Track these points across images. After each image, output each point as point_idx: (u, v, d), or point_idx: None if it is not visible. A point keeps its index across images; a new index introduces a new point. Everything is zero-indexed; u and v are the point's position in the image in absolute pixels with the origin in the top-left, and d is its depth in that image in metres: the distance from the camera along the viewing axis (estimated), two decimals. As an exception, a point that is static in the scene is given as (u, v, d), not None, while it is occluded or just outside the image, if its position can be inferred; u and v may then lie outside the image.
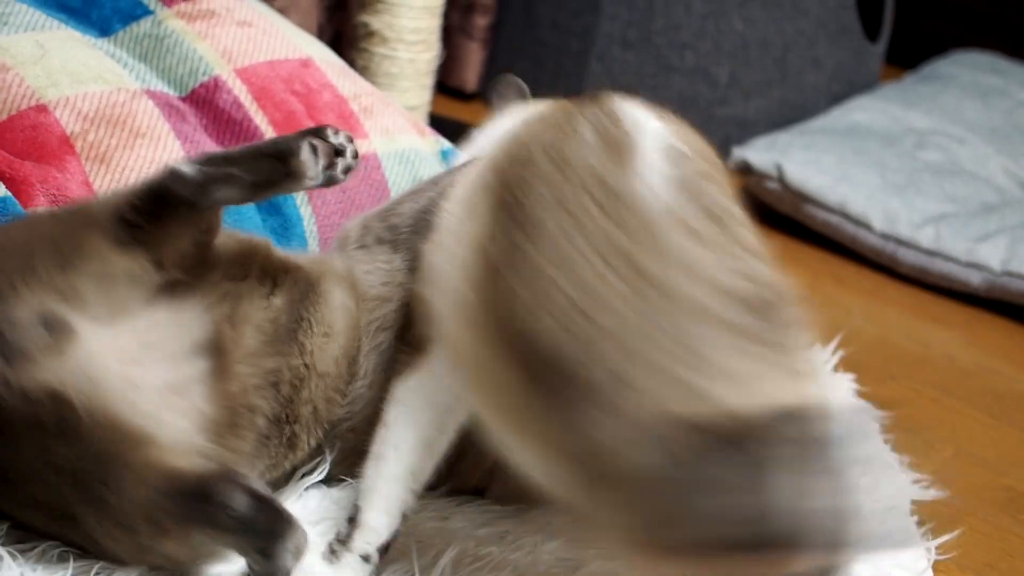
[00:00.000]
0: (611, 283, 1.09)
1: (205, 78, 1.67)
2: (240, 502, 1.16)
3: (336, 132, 1.33)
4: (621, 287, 1.09)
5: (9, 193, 1.40)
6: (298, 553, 1.18)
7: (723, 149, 2.73)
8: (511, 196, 1.17)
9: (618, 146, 1.19)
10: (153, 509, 1.19)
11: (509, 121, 1.46)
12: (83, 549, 1.27)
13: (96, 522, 1.22)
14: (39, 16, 1.64)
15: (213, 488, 1.17)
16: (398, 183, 1.74)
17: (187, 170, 1.26)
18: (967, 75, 3.12)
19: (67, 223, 1.29)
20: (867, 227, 2.48)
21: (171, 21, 1.72)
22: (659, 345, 1.07)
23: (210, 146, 1.62)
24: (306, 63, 1.74)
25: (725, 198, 1.25)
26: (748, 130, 2.88)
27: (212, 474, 1.19)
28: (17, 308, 1.22)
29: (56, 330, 1.22)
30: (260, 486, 1.20)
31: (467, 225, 1.19)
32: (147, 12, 1.73)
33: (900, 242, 2.44)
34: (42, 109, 1.51)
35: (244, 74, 1.68)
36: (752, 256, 1.20)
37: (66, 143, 1.50)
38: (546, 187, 1.16)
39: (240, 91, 1.66)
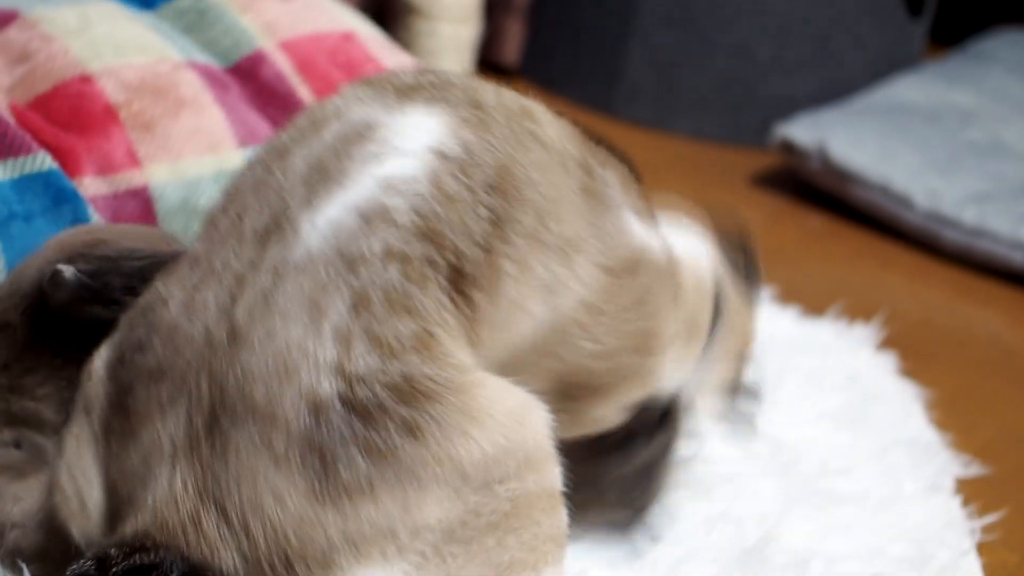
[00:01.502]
0: None
1: (248, 51, 1.67)
2: None
3: None
4: None
5: (55, 165, 1.40)
6: None
7: (765, 127, 2.75)
8: None
9: (328, 173, 1.07)
10: None
11: None
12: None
13: None
14: (82, -12, 1.65)
15: None
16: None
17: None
18: (1011, 53, 3.09)
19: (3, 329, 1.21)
20: (910, 206, 2.46)
21: (213, -5, 1.72)
22: None
23: (253, 117, 1.62)
24: (348, 37, 1.74)
25: (396, 276, 1.05)
26: (790, 108, 2.86)
27: None
28: None
29: (29, 453, 1.18)
30: None
31: None
32: (189, -14, 1.73)
33: (943, 221, 2.43)
34: (87, 79, 1.51)
35: (287, 47, 1.67)
36: (377, 351, 1.04)
37: (110, 112, 1.50)
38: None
39: (283, 64, 1.66)
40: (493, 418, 1.03)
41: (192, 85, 1.57)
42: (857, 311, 2.06)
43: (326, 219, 1.03)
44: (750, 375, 1.72)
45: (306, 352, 0.99)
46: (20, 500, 1.14)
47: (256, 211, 1.06)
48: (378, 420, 0.99)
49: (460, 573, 1.03)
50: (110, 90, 1.51)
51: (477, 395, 1.03)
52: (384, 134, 1.08)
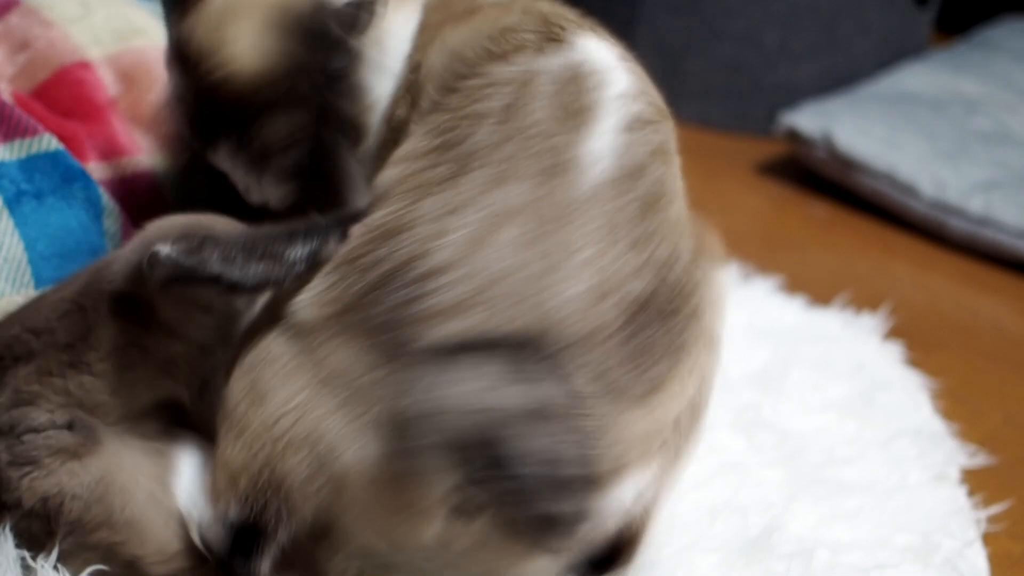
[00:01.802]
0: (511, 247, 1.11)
1: None
2: None
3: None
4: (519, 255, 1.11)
5: (62, 146, 1.40)
6: None
7: (770, 115, 2.74)
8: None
9: (577, 109, 1.18)
10: None
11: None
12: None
13: None
14: (83, -25, 1.64)
15: None
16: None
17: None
18: (1017, 41, 3.08)
19: (73, 313, 1.24)
20: (916, 195, 2.46)
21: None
22: None
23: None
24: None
25: (665, 177, 1.22)
26: (796, 96, 2.85)
27: None
28: (32, 409, 1.20)
29: (81, 434, 1.20)
30: None
31: None
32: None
33: (949, 210, 2.42)
34: (86, 66, 1.51)
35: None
36: (663, 244, 1.18)
37: (108, 101, 1.50)
38: (489, 133, 1.17)
39: None
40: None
41: None
42: (863, 300, 2.05)
43: (603, 146, 1.16)
44: (757, 364, 1.73)
45: (618, 270, 1.12)
46: (76, 475, 1.18)
47: (528, 163, 1.15)
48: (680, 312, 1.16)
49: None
50: (109, 80, 1.51)
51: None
52: (592, 66, 1.21)
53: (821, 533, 1.46)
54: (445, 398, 1.07)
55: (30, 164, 1.38)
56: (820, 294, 2.06)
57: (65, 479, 1.18)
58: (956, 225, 2.41)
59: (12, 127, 1.40)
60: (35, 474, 1.18)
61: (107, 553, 1.19)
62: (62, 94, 1.49)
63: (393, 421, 1.09)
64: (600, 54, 1.24)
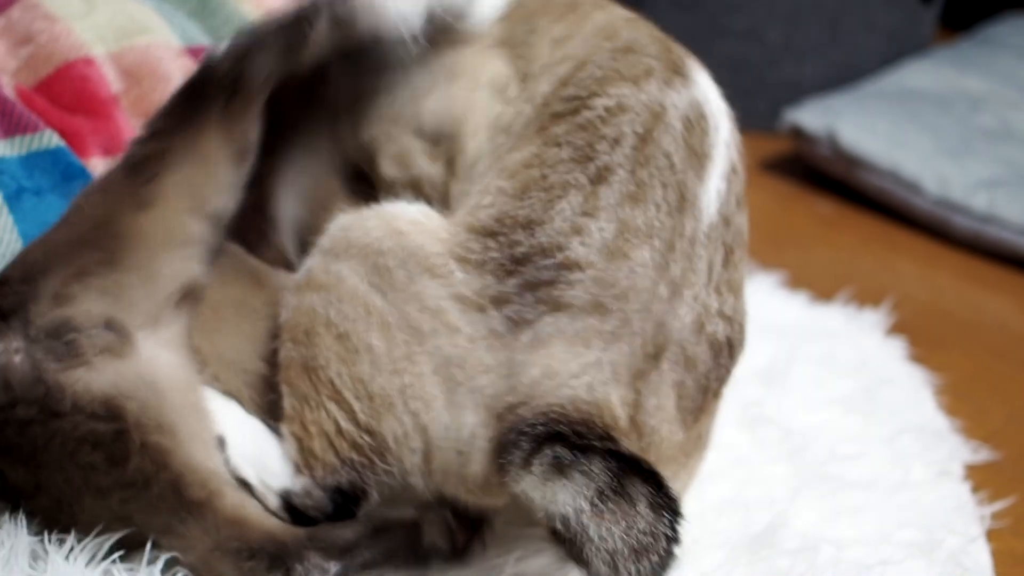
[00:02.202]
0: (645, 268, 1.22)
1: None
2: (317, 573, 1.16)
3: None
4: (652, 277, 1.22)
5: (63, 143, 1.40)
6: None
7: (774, 112, 2.74)
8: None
9: (698, 152, 1.29)
10: (228, 563, 1.18)
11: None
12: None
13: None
14: (87, -30, 1.64)
15: (290, 560, 1.17)
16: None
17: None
18: (1022, 38, 3.08)
19: (107, 207, 1.27)
20: (920, 192, 2.45)
21: (216, -19, 1.71)
22: None
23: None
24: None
25: (743, 226, 1.35)
26: (800, 93, 2.85)
27: (288, 541, 1.18)
28: (72, 308, 1.20)
29: (118, 334, 1.21)
30: (344, 535, 1.19)
31: None
32: (193, -29, 1.72)
33: (953, 207, 2.42)
34: (89, 63, 1.51)
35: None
36: (732, 297, 1.31)
37: (112, 97, 1.50)
38: (626, 153, 1.26)
39: None
40: None
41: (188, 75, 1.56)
42: (866, 297, 2.05)
43: (714, 191, 1.28)
44: (760, 361, 1.73)
45: (708, 308, 1.26)
46: (124, 375, 1.20)
47: (659, 190, 1.25)
48: (734, 354, 1.31)
49: None
50: (112, 77, 1.51)
51: None
52: (710, 108, 1.33)
53: (825, 529, 1.46)
54: (546, 395, 1.15)
55: (31, 161, 1.38)
56: (823, 290, 2.06)
57: (116, 378, 1.19)
58: (960, 222, 2.41)
59: (14, 123, 1.40)
60: (86, 375, 1.18)
61: (160, 463, 1.19)
62: (65, 89, 1.49)
63: (492, 401, 1.16)
64: (713, 94, 1.36)
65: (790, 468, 1.56)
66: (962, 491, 1.58)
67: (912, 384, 1.82)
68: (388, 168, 1.40)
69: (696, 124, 1.31)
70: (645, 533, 1.10)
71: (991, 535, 1.52)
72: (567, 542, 1.12)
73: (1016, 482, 1.63)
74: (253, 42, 1.30)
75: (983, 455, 1.67)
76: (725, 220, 1.29)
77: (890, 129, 2.56)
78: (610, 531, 1.10)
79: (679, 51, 1.39)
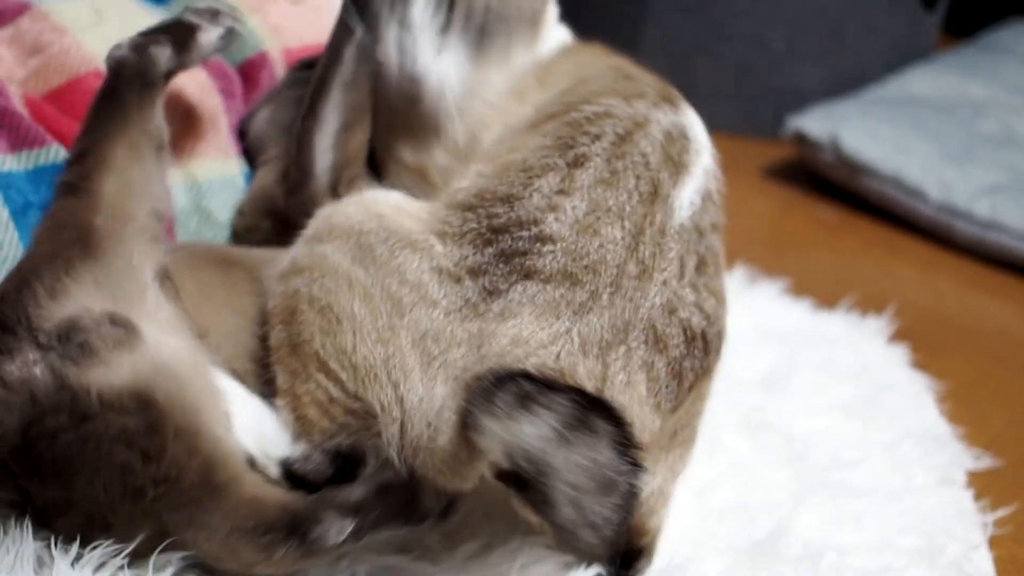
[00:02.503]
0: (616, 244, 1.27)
1: (253, 53, 1.66)
2: (335, 532, 1.17)
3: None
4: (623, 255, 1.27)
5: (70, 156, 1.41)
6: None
7: (778, 118, 2.74)
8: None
9: (676, 160, 1.35)
10: (246, 543, 1.19)
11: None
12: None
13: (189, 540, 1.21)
14: (95, -19, 1.65)
15: (306, 524, 1.17)
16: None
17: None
18: (1025, 45, 3.09)
19: (68, 209, 1.30)
20: (922, 198, 2.46)
21: (224, -7, 1.71)
22: None
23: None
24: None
25: (718, 248, 1.39)
26: (803, 99, 2.86)
27: (301, 508, 1.19)
28: (72, 304, 1.21)
29: (125, 328, 1.21)
30: (354, 494, 1.20)
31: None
32: (200, -19, 1.72)
33: (956, 213, 2.43)
34: (100, 75, 1.51)
35: (290, 55, 1.67)
36: (710, 299, 1.33)
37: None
38: (604, 146, 1.32)
39: (282, 71, 1.66)
40: None
41: (201, 87, 1.57)
42: (869, 303, 2.06)
43: (687, 199, 1.33)
44: (763, 367, 1.73)
45: (682, 297, 1.28)
46: (139, 366, 1.20)
47: (632, 180, 1.31)
48: (709, 348, 1.31)
49: None
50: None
51: None
52: (694, 134, 1.40)
53: (827, 535, 1.46)
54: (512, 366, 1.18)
55: (37, 175, 1.38)
56: (826, 296, 2.07)
57: (134, 370, 1.19)
58: (962, 228, 2.42)
59: (20, 137, 1.40)
60: (107, 372, 1.18)
61: (191, 448, 1.19)
62: (76, 101, 1.49)
63: (462, 372, 1.19)
64: (701, 130, 1.43)
65: (792, 474, 1.57)
66: (964, 497, 1.59)
67: (913, 390, 1.83)
68: (405, 151, 1.49)
69: (677, 139, 1.37)
70: (610, 468, 1.10)
71: (993, 542, 1.53)
72: (530, 486, 1.13)
73: (1017, 489, 1.64)
74: (149, 39, 1.38)
75: (984, 462, 1.68)
76: (698, 230, 1.34)
77: (893, 135, 2.57)
78: (577, 463, 1.10)
79: (675, 91, 1.47)
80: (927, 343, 1.98)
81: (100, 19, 1.57)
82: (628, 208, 1.29)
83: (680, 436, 1.31)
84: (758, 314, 1.96)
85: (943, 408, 1.80)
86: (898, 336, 1.97)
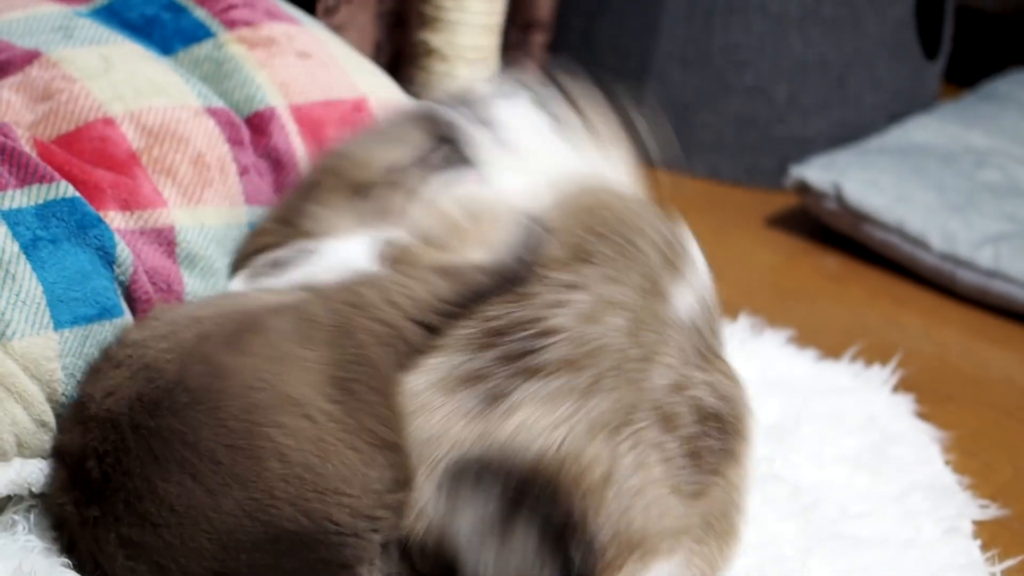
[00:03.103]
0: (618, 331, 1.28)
1: (260, 107, 1.67)
2: None
3: None
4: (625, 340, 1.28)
5: (78, 194, 1.41)
6: None
7: (781, 168, 2.75)
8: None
9: (675, 266, 1.37)
10: None
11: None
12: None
13: None
14: (103, 31, 1.65)
15: None
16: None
17: None
18: (1027, 94, 3.10)
19: None
20: (925, 247, 2.47)
21: (231, 46, 1.71)
22: None
23: (263, 167, 1.64)
24: (359, 106, 1.74)
25: (715, 340, 1.41)
26: (806, 149, 2.87)
27: None
28: None
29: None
30: None
31: None
32: (208, 34, 1.72)
33: (959, 262, 2.43)
34: (109, 122, 1.52)
35: (298, 112, 1.68)
36: (724, 381, 1.36)
37: (132, 157, 1.51)
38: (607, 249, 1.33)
39: (291, 129, 1.67)
40: None
41: (210, 136, 1.58)
42: (874, 353, 2.06)
43: (688, 300, 1.35)
44: (769, 418, 1.73)
45: (691, 379, 1.31)
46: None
47: (633, 273, 1.32)
48: (728, 428, 1.33)
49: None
50: (132, 135, 1.53)
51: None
52: (689, 248, 1.41)
53: (837, 588, 1.46)
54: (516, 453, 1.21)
55: (46, 210, 1.38)
56: (831, 347, 2.07)
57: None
58: (966, 277, 2.42)
59: (29, 173, 1.40)
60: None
61: None
62: (84, 148, 1.49)
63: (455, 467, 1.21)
64: (695, 246, 1.43)
65: (801, 526, 1.56)
66: (972, 548, 1.59)
67: (920, 440, 1.83)
68: None
69: (676, 246, 1.38)
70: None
71: (1001, 593, 1.53)
72: None
73: (1024, 538, 1.64)
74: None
75: (992, 511, 1.68)
76: (699, 332, 1.36)
77: (895, 184, 2.57)
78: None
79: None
80: (932, 393, 1.98)
81: (109, 66, 1.58)
82: (630, 302, 1.31)
83: (717, 528, 1.31)
84: (763, 364, 1.96)
85: (949, 458, 1.80)
86: (903, 386, 1.97)
